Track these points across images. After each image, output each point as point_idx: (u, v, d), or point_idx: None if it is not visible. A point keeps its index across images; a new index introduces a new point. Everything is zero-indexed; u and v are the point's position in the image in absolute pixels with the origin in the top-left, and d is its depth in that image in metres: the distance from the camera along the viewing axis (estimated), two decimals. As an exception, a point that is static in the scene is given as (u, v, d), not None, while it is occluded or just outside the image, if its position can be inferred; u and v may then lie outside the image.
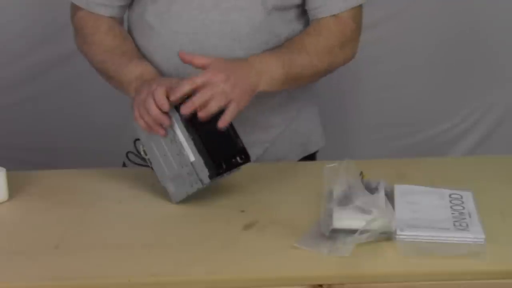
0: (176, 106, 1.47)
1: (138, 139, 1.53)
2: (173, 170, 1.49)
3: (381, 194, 1.42)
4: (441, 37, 2.70)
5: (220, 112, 1.48)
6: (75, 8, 1.73)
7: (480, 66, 2.73)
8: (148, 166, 1.53)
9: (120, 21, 1.73)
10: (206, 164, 1.46)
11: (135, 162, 1.56)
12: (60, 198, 1.56)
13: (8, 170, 1.54)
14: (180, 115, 1.47)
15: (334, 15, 1.65)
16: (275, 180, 1.59)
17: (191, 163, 1.47)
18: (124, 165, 1.81)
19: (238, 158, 1.50)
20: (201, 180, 1.47)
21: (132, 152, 1.55)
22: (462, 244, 1.33)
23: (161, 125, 1.47)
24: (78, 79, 2.48)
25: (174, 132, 1.47)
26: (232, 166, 1.49)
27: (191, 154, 1.47)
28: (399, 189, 1.49)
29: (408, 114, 2.78)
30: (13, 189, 1.55)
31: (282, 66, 1.58)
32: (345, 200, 1.39)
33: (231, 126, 1.50)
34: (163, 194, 1.53)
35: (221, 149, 1.49)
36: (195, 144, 1.46)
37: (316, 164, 1.72)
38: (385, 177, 1.49)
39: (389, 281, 1.29)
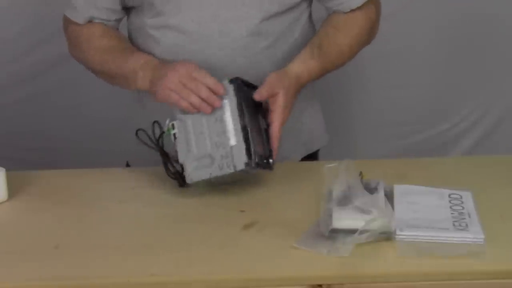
0: (234, 89, 1.49)
1: (139, 129, 1.53)
2: (204, 149, 1.49)
3: (381, 194, 1.42)
4: (441, 37, 2.70)
5: (260, 109, 1.53)
6: (68, 21, 1.72)
7: (480, 66, 2.73)
8: (153, 148, 1.53)
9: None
10: (247, 151, 1.46)
11: (143, 140, 1.54)
12: (60, 198, 1.56)
13: (8, 170, 1.54)
14: (237, 100, 1.48)
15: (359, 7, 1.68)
16: (274, 180, 1.59)
17: (231, 147, 1.47)
18: (127, 165, 1.81)
19: (270, 161, 1.51)
20: (234, 165, 1.47)
21: (142, 130, 1.54)
22: (462, 244, 1.33)
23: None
24: (78, 79, 2.48)
25: (223, 113, 1.48)
26: (263, 165, 1.50)
27: (233, 138, 1.47)
28: (399, 189, 1.49)
29: (408, 114, 2.78)
30: (13, 189, 1.55)
31: (320, 68, 1.63)
32: (345, 200, 1.39)
33: (266, 130, 1.53)
34: (163, 194, 1.53)
35: (260, 146, 1.50)
36: (242, 131, 1.47)
37: (316, 164, 1.72)
38: (385, 177, 1.49)
39: (388, 281, 1.29)
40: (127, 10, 1.72)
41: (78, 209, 1.51)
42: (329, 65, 1.66)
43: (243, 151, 1.46)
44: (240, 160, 1.46)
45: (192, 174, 1.50)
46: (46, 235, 1.41)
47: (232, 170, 1.47)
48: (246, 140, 1.47)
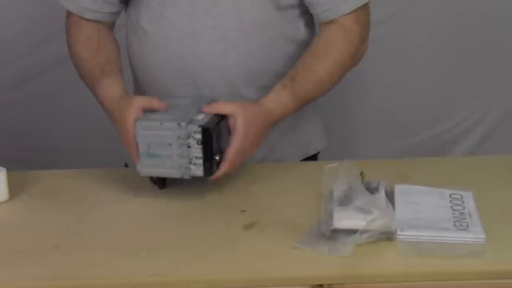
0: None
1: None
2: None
3: (382, 194, 1.42)
4: (441, 37, 2.70)
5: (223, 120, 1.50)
6: (67, 13, 1.73)
7: (480, 66, 2.73)
8: None
9: (109, 25, 1.73)
10: (205, 123, 1.45)
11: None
12: (60, 198, 1.56)
13: (8, 170, 1.54)
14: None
15: (340, 26, 1.62)
16: (275, 180, 1.59)
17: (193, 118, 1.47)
18: (126, 165, 1.81)
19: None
20: (186, 122, 1.45)
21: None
22: (463, 244, 1.33)
23: None
24: (78, 79, 2.47)
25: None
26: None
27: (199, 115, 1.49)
28: (400, 189, 1.48)
29: (408, 114, 2.78)
30: (13, 189, 1.55)
31: (295, 100, 1.59)
32: (346, 200, 1.39)
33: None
34: (163, 194, 1.53)
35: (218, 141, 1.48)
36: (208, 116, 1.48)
37: (316, 164, 1.72)
38: (386, 177, 1.49)
39: (389, 281, 1.29)
40: (126, 4, 1.71)
41: (78, 209, 1.51)
42: (306, 95, 1.61)
43: (204, 122, 1.46)
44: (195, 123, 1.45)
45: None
46: (46, 235, 1.41)
47: (184, 122, 1.44)
48: (208, 117, 1.47)
